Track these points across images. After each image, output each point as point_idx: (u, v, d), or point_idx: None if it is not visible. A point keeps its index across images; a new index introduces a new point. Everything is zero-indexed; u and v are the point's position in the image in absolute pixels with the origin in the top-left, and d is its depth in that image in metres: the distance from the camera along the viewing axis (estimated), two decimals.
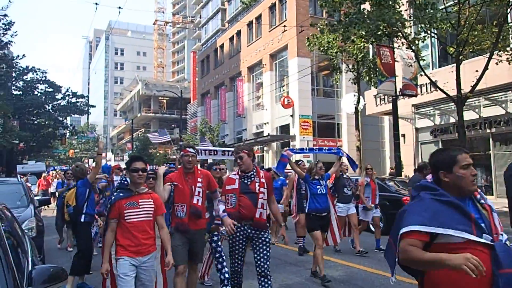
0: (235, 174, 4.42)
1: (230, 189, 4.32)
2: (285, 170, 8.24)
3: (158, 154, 42.45)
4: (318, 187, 6.08)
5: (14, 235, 3.19)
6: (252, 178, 4.34)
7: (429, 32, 13.85)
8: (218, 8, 49.71)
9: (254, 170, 4.41)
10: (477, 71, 13.50)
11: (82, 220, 5.75)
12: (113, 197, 3.65)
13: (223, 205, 4.32)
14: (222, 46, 37.78)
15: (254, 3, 33.95)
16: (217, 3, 50.42)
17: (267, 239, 4.33)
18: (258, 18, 31.45)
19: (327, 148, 7.46)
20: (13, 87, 33.74)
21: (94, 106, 44.61)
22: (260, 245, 4.28)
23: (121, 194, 3.65)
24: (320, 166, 6.21)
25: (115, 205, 3.58)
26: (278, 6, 29.10)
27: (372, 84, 18.86)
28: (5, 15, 21.39)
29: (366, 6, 14.86)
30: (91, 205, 5.92)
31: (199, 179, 4.47)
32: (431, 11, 12.75)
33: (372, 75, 18.06)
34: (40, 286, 2.22)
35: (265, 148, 30.23)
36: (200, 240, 4.53)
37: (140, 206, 3.60)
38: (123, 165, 8.72)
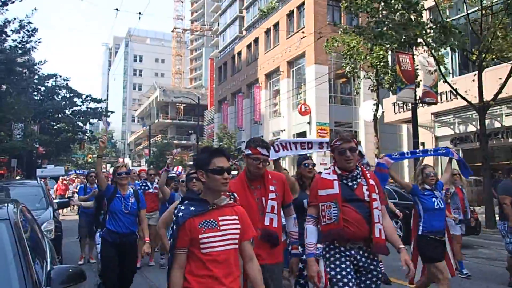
0: (329, 173, 3.09)
1: (326, 196, 3.00)
2: None
3: (175, 160, 42.72)
4: (433, 199, 4.67)
5: (33, 235, 3.19)
6: (358, 180, 3.05)
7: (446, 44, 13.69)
8: (236, 16, 50.01)
9: (359, 169, 3.13)
10: (500, 78, 13.24)
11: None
12: (179, 214, 2.31)
13: (312, 228, 3.03)
14: (239, 53, 37.94)
15: (272, 11, 34.05)
16: (235, 10, 50.74)
17: (380, 273, 3.03)
18: (276, 25, 31.51)
19: (432, 149, 6.11)
20: (34, 92, 34.42)
21: (113, 112, 45.18)
22: (368, 282, 2.96)
23: (191, 209, 2.32)
24: (429, 172, 4.80)
25: (185, 226, 2.27)
26: (296, 14, 29.12)
27: (392, 91, 18.66)
28: (29, 22, 21.84)
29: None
30: None
31: (272, 188, 3.15)
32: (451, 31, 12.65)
33: (393, 82, 17.87)
34: (58, 286, 2.20)
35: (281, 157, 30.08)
36: (278, 279, 3.14)
37: (222, 227, 2.31)
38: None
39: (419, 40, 14.13)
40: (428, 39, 13.63)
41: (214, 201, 2.37)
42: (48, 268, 2.67)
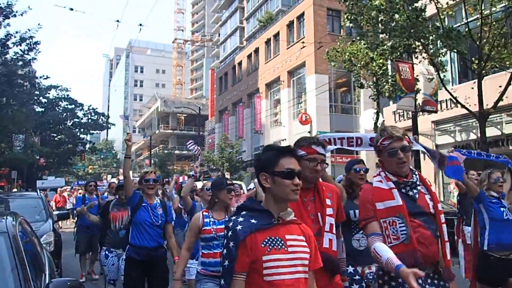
0: (381, 181, 2.46)
1: (386, 209, 2.37)
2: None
3: (176, 170, 42.71)
4: (502, 209, 4.03)
5: (32, 248, 3.17)
6: (418, 188, 2.45)
7: (451, 47, 13.72)
8: (237, 26, 50.32)
9: (415, 173, 2.52)
10: (500, 86, 13.25)
11: None
12: (237, 228, 1.83)
13: (383, 246, 2.28)
14: (240, 64, 38.09)
15: (271, 22, 34.26)
16: (236, 21, 51.06)
17: None
18: (276, 35, 31.68)
19: (494, 155, 5.59)
20: (35, 104, 34.54)
21: (114, 125, 45.25)
22: None
23: (252, 221, 1.85)
24: (497, 177, 4.20)
25: (245, 243, 1.79)
26: (296, 24, 29.28)
27: (392, 100, 18.67)
28: (31, 36, 21.97)
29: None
30: None
31: (328, 201, 2.53)
32: (456, 34, 12.70)
33: (392, 91, 17.89)
34: None
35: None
36: None
37: (290, 249, 1.83)
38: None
39: (420, 47, 14.18)
40: (431, 45, 13.67)
41: (280, 214, 1.88)
42: (47, 281, 2.65)
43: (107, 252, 5.49)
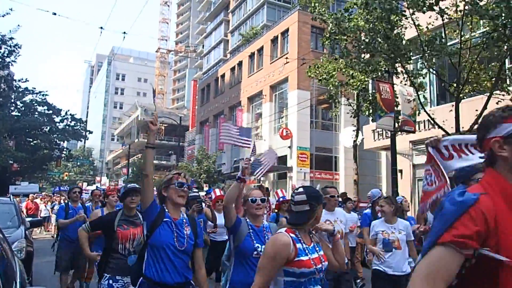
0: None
1: None
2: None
3: (154, 180, 42.18)
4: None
5: (2, 255, 3.07)
6: None
7: (429, 69, 14.04)
8: (221, 39, 50.56)
9: None
10: (476, 110, 13.60)
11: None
12: None
13: None
14: (223, 76, 38.18)
15: (255, 36, 34.55)
16: (220, 34, 51.32)
17: None
18: (260, 50, 31.93)
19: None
20: (11, 108, 33.80)
21: (91, 132, 44.56)
22: None
23: None
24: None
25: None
26: (280, 39, 29.59)
27: (372, 118, 18.96)
28: (11, 38, 21.70)
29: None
30: None
31: None
32: (440, 43, 12.98)
33: (372, 110, 18.18)
34: None
35: (262, 179, 30.07)
36: None
37: None
38: None
39: (399, 69, 14.49)
40: (411, 65, 13.95)
41: None
42: None
43: (110, 281, 4.02)
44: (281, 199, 6.66)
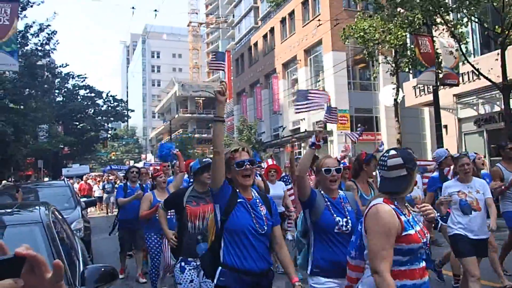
0: None
1: None
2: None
3: (196, 154, 43.11)
4: None
5: (65, 236, 3.30)
6: None
7: (470, 17, 13.34)
8: (251, 6, 49.74)
9: None
10: None
11: None
12: None
13: None
14: (256, 44, 37.80)
15: (285, 1, 33.77)
16: (250, 1, 50.46)
17: None
18: (291, 14, 31.25)
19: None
20: (56, 94, 35.18)
21: (133, 111, 45.79)
22: None
23: None
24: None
25: None
26: (311, 1, 28.79)
27: (412, 74, 18.35)
28: (48, 26, 22.32)
29: None
30: None
31: None
32: None
33: (411, 66, 17.55)
34: (93, 285, 2.27)
35: (303, 145, 30.03)
36: None
37: None
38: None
39: (438, 20, 13.85)
40: (451, 15, 13.33)
41: None
42: (81, 268, 2.76)
43: (183, 264, 3.75)
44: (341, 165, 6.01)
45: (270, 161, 7.35)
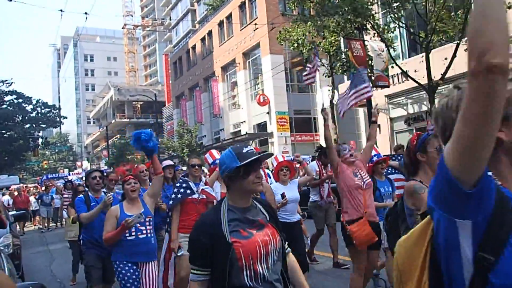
0: None
1: None
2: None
3: (136, 159, 41.96)
4: None
5: None
6: None
7: (398, 22, 14.08)
8: (188, 9, 49.34)
9: None
10: (446, 59, 13.78)
11: None
12: None
13: None
14: (194, 47, 37.52)
15: (222, 4, 33.86)
16: (186, 4, 50.03)
17: None
18: (229, 17, 31.35)
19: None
20: None
21: (66, 118, 43.78)
22: None
23: None
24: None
25: None
26: (248, 5, 29.07)
27: (347, 76, 19.06)
28: None
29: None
30: None
31: None
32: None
33: (346, 68, 18.24)
34: None
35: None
36: None
37: None
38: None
39: (369, 25, 14.49)
40: (378, 21, 13.97)
41: None
42: None
43: None
44: (375, 157, 5.36)
45: (280, 157, 6.04)
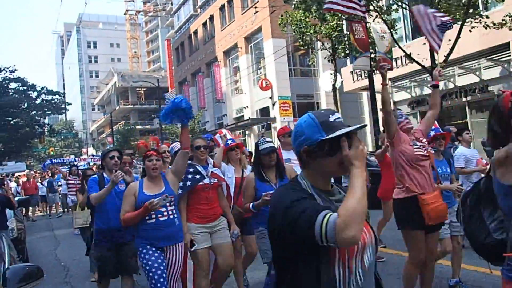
0: None
1: None
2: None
3: (139, 146, 42.07)
4: None
5: None
6: None
7: (401, 4, 13.91)
8: None
9: None
10: (449, 40, 13.62)
11: None
12: None
13: None
14: (196, 32, 37.31)
15: None
16: None
17: None
18: (230, 1, 31.07)
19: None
20: None
21: (70, 104, 43.94)
22: None
23: None
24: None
25: None
26: None
27: (348, 60, 18.93)
28: None
29: None
30: None
31: None
32: None
33: (348, 52, 18.09)
34: (15, 285, 2.19)
35: (247, 132, 30.21)
36: None
37: None
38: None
39: (371, 7, 14.32)
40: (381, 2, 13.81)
41: None
42: (3, 269, 2.65)
43: None
44: (432, 132, 4.53)
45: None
